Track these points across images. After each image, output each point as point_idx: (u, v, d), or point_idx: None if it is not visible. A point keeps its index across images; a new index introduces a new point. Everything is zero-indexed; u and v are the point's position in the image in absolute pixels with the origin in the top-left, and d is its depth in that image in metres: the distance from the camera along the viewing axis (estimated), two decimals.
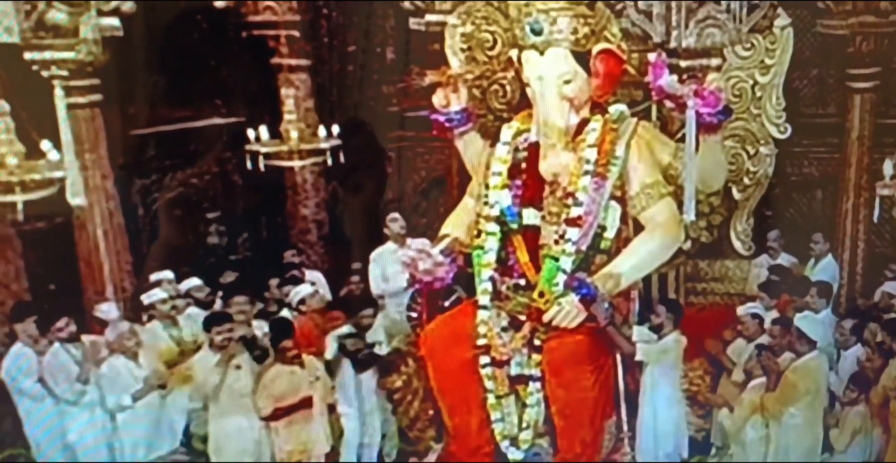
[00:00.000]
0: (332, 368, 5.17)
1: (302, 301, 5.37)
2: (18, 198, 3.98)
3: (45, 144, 4.07)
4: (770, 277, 6.15)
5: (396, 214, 5.36)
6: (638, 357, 5.26)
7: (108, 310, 4.92)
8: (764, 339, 5.80)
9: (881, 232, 6.50)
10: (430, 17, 5.44)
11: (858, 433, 5.63)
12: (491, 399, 5.09)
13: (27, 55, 4.74)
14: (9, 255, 5.17)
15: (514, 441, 5.13)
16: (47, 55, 4.60)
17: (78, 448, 4.92)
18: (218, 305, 5.26)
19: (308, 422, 5.06)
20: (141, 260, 5.34)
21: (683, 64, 5.47)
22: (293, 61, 5.56)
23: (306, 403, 5.07)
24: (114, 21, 4.85)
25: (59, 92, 4.12)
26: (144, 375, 4.97)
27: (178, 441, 5.00)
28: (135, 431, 4.93)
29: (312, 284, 5.32)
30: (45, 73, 4.63)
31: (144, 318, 5.23)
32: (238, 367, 4.91)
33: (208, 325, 4.98)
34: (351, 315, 5.17)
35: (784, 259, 6.35)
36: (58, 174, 4.06)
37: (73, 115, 4.64)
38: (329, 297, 5.46)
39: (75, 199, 4.12)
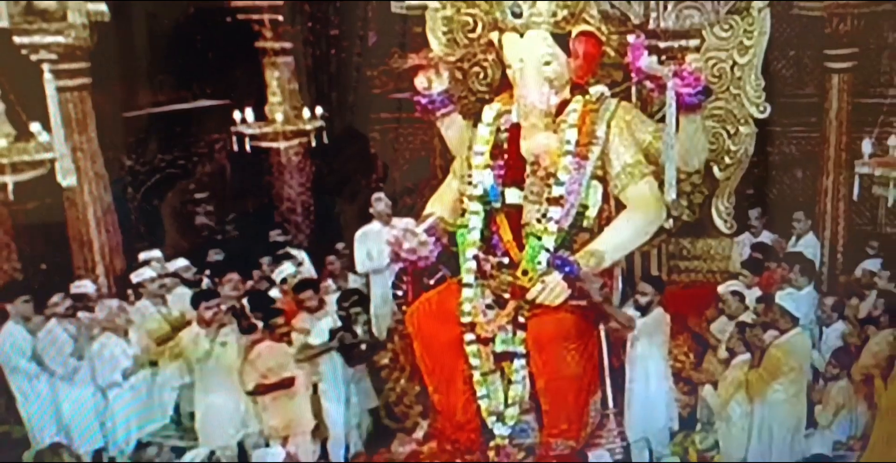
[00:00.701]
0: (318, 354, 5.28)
1: (284, 280, 5.50)
2: (9, 179, 4.08)
3: (35, 126, 4.17)
4: (752, 254, 6.24)
5: (381, 194, 5.45)
6: (635, 332, 5.40)
7: (83, 285, 5.07)
8: (745, 316, 5.94)
9: (861, 210, 6.61)
10: (411, 1, 5.56)
11: (842, 409, 5.70)
12: (476, 376, 5.17)
13: (17, 39, 4.79)
14: (0, 235, 5.30)
15: (500, 417, 5.20)
16: (36, 39, 4.66)
17: (72, 424, 4.98)
18: (206, 283, 5.41)
19: (292, 398, 5.12)
20: (130, 239, 5.46)
21: (662, 45, 5.50)
22: (277, 45, 5.65)
23: (290, 381, 5.11)
24: (101, 6, 4.89)
25: (48, 75, 4.20)
26: (134, 353, 5.06)
27: (169, 418, 5.11)
28: (125, 407, 5.00)
29: (299, 263, 5.47)
30: (34, 57, 4.71)
31: (132, 296, 5.40)
32: (224, 344, 4.99)
33: (196, 302, 5.05)
34: (339, 307, 5.25)
35: (766, 237, 6.47)
36: (48, 156, 4.16)
37: (63, 98, 4.71)
38: (314, 275, 5.59)
39: (66, 179, 4.22)
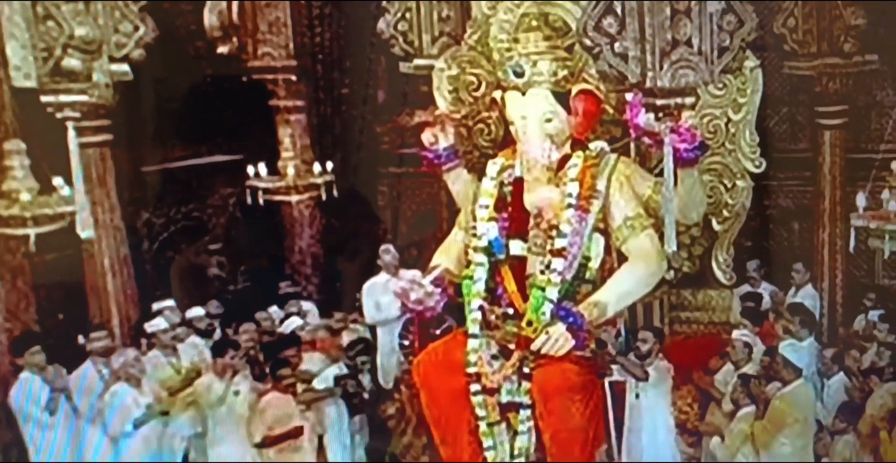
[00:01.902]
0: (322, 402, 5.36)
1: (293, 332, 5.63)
2: (31, 231, 4.30)
3: (58, 181, 4.40)
4: (745, 304, 6.32)
5: (389, 246, 5.61)
6: (640, 383, 5.50)
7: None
8: (749, 368, 6.04)
9: (858, 262, 6.78)
10: (418, 61, 5.80)
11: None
12: (483, 427, 5.14)
13: (43, 98, 5.02)
14: (19, 285, 5.42)
15: None
16: (62, 98, 4.90)
17: None
18: (217, 333, 5.54)
19: (297, 451, 5.15)
20: (145, 290, 5.61)
21: (659, 103, 5.65)
22: (290, 103, 5.91)
23: (297, 432, 5.16)
24: (124, 67, 5.17)
25: (71, 132, 4.47)
26: (147, 402, 5.10)
27: None
28: (136, 457, 5.03)
29: (301, 315, 5.58)
30: (59, 115, 4.93)
31: (145, 346, 5.51)
32: (236, 393, 5.06)
33: (217, 351, 5.18)
34: (346, 355, 5.37)
35: (765, 288, 6.63)
36: (68, 209, 4.37)
37: (84, 154, 4.93)
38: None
39: (85, 231, 4.42)
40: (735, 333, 5.94)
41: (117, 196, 5.51)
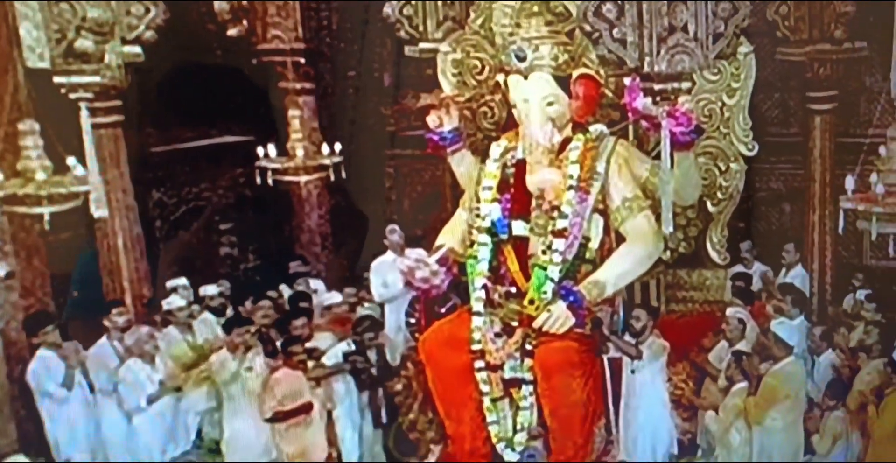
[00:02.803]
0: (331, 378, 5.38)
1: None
2: (46, 210, 4.28)
3: (71, 161, 4.39)
4: (735, 283, 6.41)
5: (395, 226, 5.67)
6: (642, 361, 5.56)
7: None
8: (742, 345, 6.17)
9: (847, 243, 6.92)
10: (423, 45, 5.78)
11: (840, 438, 5.85)
12: (486, 402, 5.27)
13: (56, 79, 5.03)
14: (35, 263, 5.44)
15: (510, 443, 5.28)
16: (75, 79, 4.88)
17: (106, 446, 5.09)
18: (230, 311, 5.58)
19: (308, 426, 5.20)
20: (157, 268, 5.63)
21: (657, 87, 5.73)
22: (299, 85, 5.92)
23: (307, 408, 5.22)
24: (136, 48, 5.14)
25: (84, 113, 4.48)
26: (160, 378, 5.16)
27: (192, 443, 5.20)
28: (149, 432, 5.10)
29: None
30: (72, 96, 4.94)
31: (159, 322, 5.50)
32: (249, 369, 5.09)
33: (229, 328, 5.22)
34: (353, 332, 5.37)
35: (757, 268, 6.75)
36: (82, 188, 4.34)
37: (97, 134, 4.93)
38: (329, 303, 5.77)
39: (98, 211, 4.45)
40: (729, 311, 6.02)
41: (130, 176, 5.56)
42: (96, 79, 4.74)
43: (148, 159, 5.63)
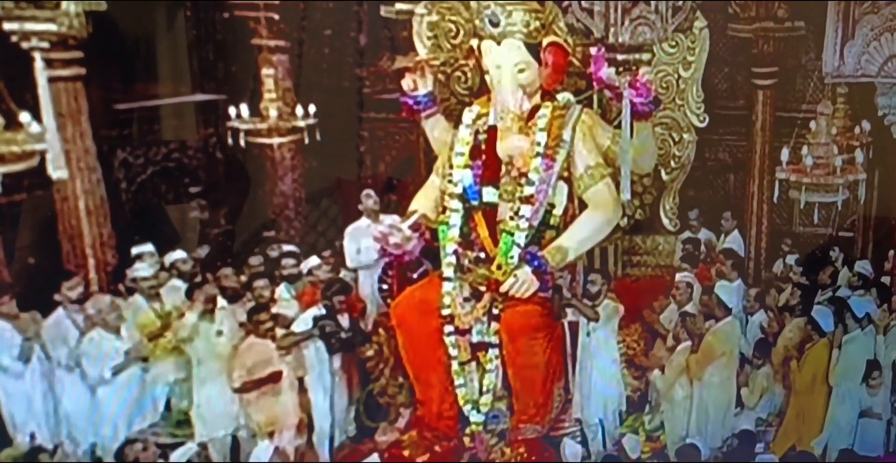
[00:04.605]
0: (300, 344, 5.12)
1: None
2: None
3: (25, 116, 3.86)
4: (684, 247, 6.38)
5: (370, 191, 5.40)
6: (597, 323, 5.50)
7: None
8: (690, 307, 6.30)
9: (780, 211, 7.17)
10: (399, 6, 5.47)
11: (766, 392, 6.03)
12: (455, 366, 5.17)
13: (6, 26, 4.25)
14: None
15: (476, 405, 5.23)
16: (28, 26, 4.23)
17: (67, 420, 4.66)
18: (199, 277, 5.16)
19: (278, 394, 4.96)
20: (122, 233, 5.13)
21: (620, 57, 5.58)
22: (272, 42, 5.42)
23: (276, 376, 4.95)
24: None
25: (39, 64, 3.93)
26: (125, 349, 4.78)
27: (160, 415, 4.85)
28: (115, 404, 4.67)
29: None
30: (25, 45, 4.35)
31: (123, 290, 5.09)
32: (220, 333, 4.80)
33: (190, 294, 4.85)
34: (324, 296, 5.12)
35: (703, 234, 6.89)
36: (38, 147, 3.86)
37: (55, 88, 4.37)
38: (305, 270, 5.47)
39: (57, 172, 3.95)
40: (678, 276, 6.11)
41: (92, 135, 4.98)
42: (52, 27, 4.13)
43: (111, 117, 5.07)
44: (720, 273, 6.30)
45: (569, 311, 5.56)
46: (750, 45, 6.72)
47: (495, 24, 5.04)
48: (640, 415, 5.89)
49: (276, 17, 5.26)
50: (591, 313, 5.53)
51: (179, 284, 4.84)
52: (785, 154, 6.24)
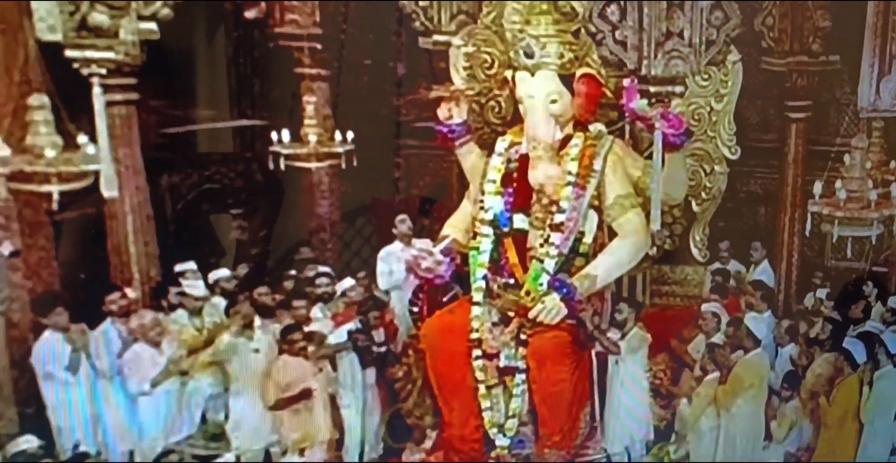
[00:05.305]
0: (335, 359, 5.15)
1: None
2: (55, 188, 3.94)
3: (82, 138, 4.06)
4: (714, 278, 6.39)
5: (405, 216, 5.50)
6: (620, 355, 5.46)
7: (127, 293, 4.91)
8: (717, 337, 6.23)
9: (812, 244, 7.08)
10: (437, 38, 5.60)
11: (794, 425, 5.90)
12: (482, 389, 5.18)
13: (69, 53, 4.52)
14: (41, 243, 5.00)
15: (501, 429, 5.22)
16: (88, 54, 4.36)
17: (108, 429, 4.79)
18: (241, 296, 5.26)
19: (311, 412, 5.03)
20: (167, 251, 5.29)
21: (653, 89, 5.64)
22: (314, 71, 5.60)
23: (307, 393, 5.03)
24: (151, 25, 4.71)
25: (97, 89, 4.10)
26: (165, 362, 4.87)
27: (196, 427, 4.96)
28: (153, 416, 4.82)
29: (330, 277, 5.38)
30: (84, 71, 4.53)
31: (167, 306, 5.22)
32: (257, 350, 4.90)
33: (228, 311, 4.97)
34: (359, 311, 5.18)
35: (733, 266, 6.83)
36: (92, 167, 3.99)
37: (110, 112, 4.54)
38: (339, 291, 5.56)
39: (108, 191, 4.11)
40: (704, 306, 6.05)
41: (142, 156, 5.17)
42: (110, 54, 4.32)
43: (161, 140, 5.25)
44: (749, 304, 6.24)
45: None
46: (784, 79, 6.72)
47: (530, 56, 5.13)
48: (666, 444, 5.81)
49: (319, 46, 5.43)
50: (614, 348, 5.50)
51: (221, 302, 4.95)
52: (818, 187, 6.15)
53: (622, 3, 5.60)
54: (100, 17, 4.34)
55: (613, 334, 5.57)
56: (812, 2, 6.47)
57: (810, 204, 6.07)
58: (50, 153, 3.88)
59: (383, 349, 5.03)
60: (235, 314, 4.89)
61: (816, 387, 5.92)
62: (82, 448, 4.56)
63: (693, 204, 6.04)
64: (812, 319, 6.49)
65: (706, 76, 5.97)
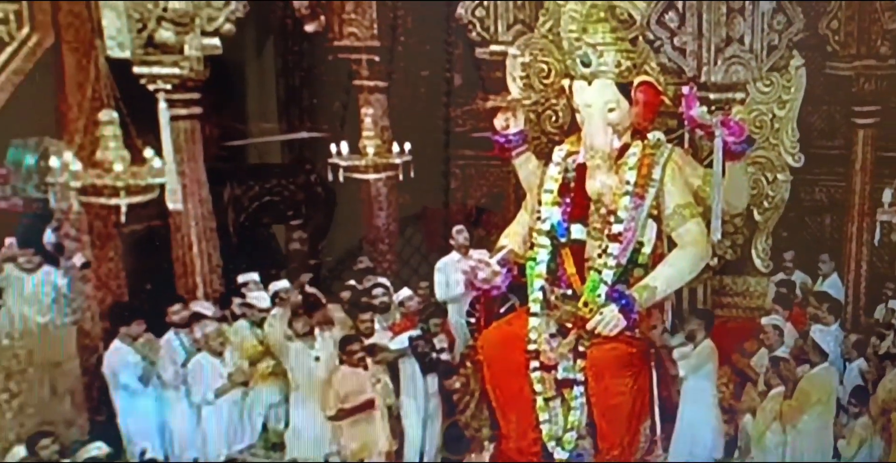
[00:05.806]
0: (397, 368, 5.15)
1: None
2: (123, 201, 4.01)
3: (149, 152, 4.12)
4: (778, 289, 6.16)
5: (462, 226, 5.44)
6: (680, 374, 5.30)
7: (201, 305, 5.01)
8: (781, 350, 6.02)
9: (882, 254, 6.78)
10: (493, 48, 5.56)
11: (864, 443, 5.81)
12: (539, 401, 5.09)
13: (136, 70, 4.72)
14: (110, 254, 5.15)
15: (560, 442, 5.11)
16: (154, 70, 4.58)
17: (174, 439, 4.90)
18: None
19: (371, 423, 5.02)
20: (230, 262, 5.39)
21: (712, 97, 5.50)
22: (372, 83, 5.65)
23: (369, 404, 5.03)
24: (215, 41, 4.84)
25: (162, 104, 4.20)
26: (228, 372, 4.96)
27: (257, 436, 5.01)
28: (216, 425, 4.87)
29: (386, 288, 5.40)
30: (151, 87, 4.67)
31: (230, 317, 5.28)
32: (317, 359, 4.91)
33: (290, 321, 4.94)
34: (420, 318, 5.19)
35: (798, 277, 6.59)
36: (158, 180, 4.08)
37: (175, 126, 4.61)
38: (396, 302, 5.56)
39: (174, 204, 4.18)
40: (765, 320, 5.83)
41: (205, 169, 5.28)
42: (175, 70, 4.44)
43: (224, 153, 5.35)
44: (815, 317, 6.00)
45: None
46: (850, 84, 6.46)
47: (587, 65, 5.03)
48: (729, 459, 5.61)
49: (377, 58, 5.45)
50: (672, 366, 5.32)
51: (281, 313, 4.98)
52: (887, 195, 5.82)
53: (681, 9, 5.45)
54: (166, 34, 4.44)
55: (686, 348, 5.39)
56: (880, 2, 6.21)
57: (879, 212, 5.75)
58: (118, 167, 3.96)
59: (445, 356, 4.97)
60: (298, 323, 4.89)
61: (888, 403, 5.63)
62: (150, 455, 4.63)
63: (755, 213, 5.83)
64: (883, 332, 6.20)
65: (768, 82, 5.78)
